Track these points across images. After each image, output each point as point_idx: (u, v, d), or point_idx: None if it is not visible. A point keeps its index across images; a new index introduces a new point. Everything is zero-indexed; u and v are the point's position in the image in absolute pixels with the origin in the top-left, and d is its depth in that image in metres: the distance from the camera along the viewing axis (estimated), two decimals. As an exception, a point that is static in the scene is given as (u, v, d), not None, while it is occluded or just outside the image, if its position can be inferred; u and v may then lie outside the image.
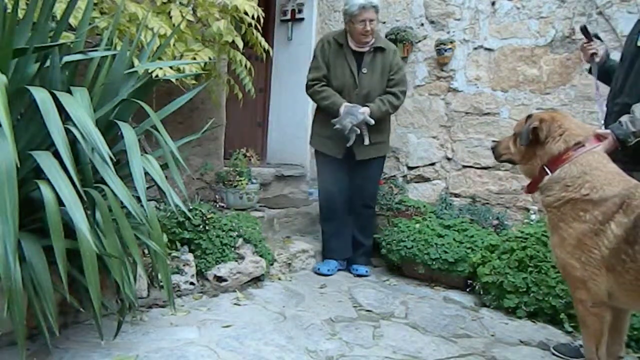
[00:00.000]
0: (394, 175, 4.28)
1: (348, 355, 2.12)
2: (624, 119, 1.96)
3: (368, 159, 3.28)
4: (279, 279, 3.12)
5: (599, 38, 2.42)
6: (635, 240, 1.61)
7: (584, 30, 2.39)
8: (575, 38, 3.58)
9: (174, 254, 2.64)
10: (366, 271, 3.38)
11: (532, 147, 1.94)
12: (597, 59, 2.37)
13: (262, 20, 2.93)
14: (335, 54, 3.26)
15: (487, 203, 3.86)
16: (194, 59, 2.58)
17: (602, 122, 2.22)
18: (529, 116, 2.01)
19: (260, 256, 2.96)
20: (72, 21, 2.09)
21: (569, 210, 1.77)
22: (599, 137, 1.91)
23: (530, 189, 2.00)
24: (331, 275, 3.34)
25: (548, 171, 1.87)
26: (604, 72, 2.36)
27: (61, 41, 1.91)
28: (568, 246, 1.76)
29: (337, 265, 3.44)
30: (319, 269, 3.36)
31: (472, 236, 3.24)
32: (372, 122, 3.11)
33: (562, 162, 1.83)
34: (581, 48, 2.45)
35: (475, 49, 4.00)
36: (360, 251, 3.48)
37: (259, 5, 2.88)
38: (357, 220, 3.46)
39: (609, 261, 1.67)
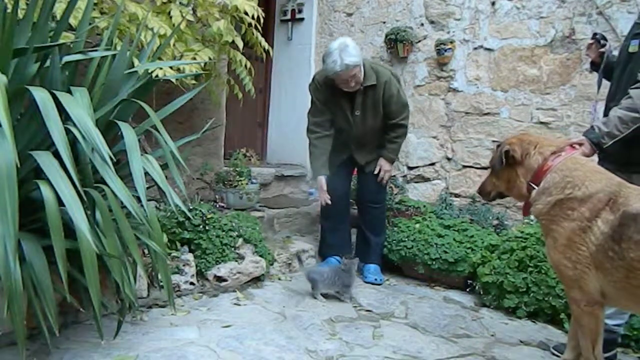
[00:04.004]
0: (394, 175, 4.28)
1: (348, 355, 2.12)
2: (597, 122, 2.01)
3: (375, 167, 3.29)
4: (279, 279, 3.12)
5: (604, 39, 2.42)
6: (621, 238, 1.63)
7: (597, 38, 2.39)
8: (576, 38, 3.59)
9: (174, 254, 2.64)
10: (375, 279, 3.25)
11: (513, 170, 1.98)
12: (605, 59, 2.36)
13: (262, 20, 2.93)
14: (329, 95, 3.15)
15: (487, 203, 3.86)
16: (194, 59, 2.58)
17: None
18: (499, 145, 2.06)
19: (260, 256, 2.96)
20: (72, 21, 2.09)
21: (558, 211, 1.80)
22: (574, 147, 1.95)
23: (525, 210, 2.02)
24: None
25: (534, 187, 1.91)
26: (609, 70, 2.36)
27: (61, 41, 1.91)
28: (560, 246, 1.79)
29: (339, 262, 3.43)
30: None
31: (472, 236, 3.24)
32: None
33: (544, 173, 1.87)
34: (588, 46, 2.45)
35: (475, 49, 4.01)
36: (370, 249, 3.38)
37: (259, 5, 2.88)
38: (364, 218, 3.41)
39: (597, 258, 1.69)
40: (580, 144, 1.98)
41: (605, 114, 2.20)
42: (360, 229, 3.45)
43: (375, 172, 3.25)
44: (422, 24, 4.25)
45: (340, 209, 3.40)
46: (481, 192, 2.21)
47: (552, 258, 1.85)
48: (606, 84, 2.33)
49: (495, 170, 2.06)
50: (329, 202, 3.20)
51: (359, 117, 3.15)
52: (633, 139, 1.97)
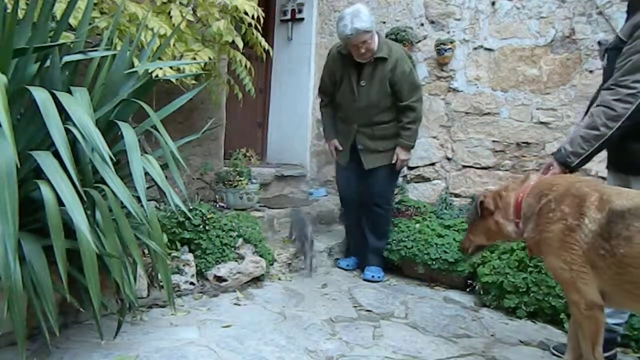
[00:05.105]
0: (394, 175, 4.28)
1: (348, 355, 2.12)
2: (564, 142, 2.07)
3: (376, 167, 3.28)
4: (279, 279, 3.12)
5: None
6: (610, 235, 1.66)
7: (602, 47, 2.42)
8: (576, 38, 3.59)
9: (174, 254, 2.64)
10: (372, 276, 3.27)
11: (491, 219, 2.07)
12: None
13: (262, 20, 2.93)
14: (339, 65, 3.21)
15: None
16: (194, 59, 2.58)
17: None
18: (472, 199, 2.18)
19: (260, 256, 2.96)
20: (72, 21, 2.09)
21: (542, 220, 1.86)
22: (545, 171, 2.08)
23: (529, 251, 2.07)
24: (348, 269, 3.46)
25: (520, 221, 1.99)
26: None
27: (61, 41, 1.91)
28: (555, 250, 1.81)
29: (357, 262, 3.51)
30: (339, 262, 3.53)
31: (472, 236, 3.23)
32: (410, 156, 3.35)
33: (520, 205, 1.97)
34: (599, 52, 2.48)
35: (475, 49, 4.00)
36: (371, 252, 3.39)
37: (259, 5, 2.88)
38: (367, 220, 3.40)
39: (590, 257, 1.72)
40: (551, 165, 2.07)
41: None
42: (362, 231, 3.45)
43: (393, 161, 3.25)
44: (422, 24, 4.25)
45: (351, 211, 3.50)
46: (461, 249, 2.32)
47: (550, 264, 1.87)
48: None
49: (474, 225, 2.17)
50: (336, 153, 3.41)
51: (364, 88, 3.15)
52: (630, 142, 1.98)
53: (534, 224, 1.90)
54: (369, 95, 3.14)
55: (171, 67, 2.39)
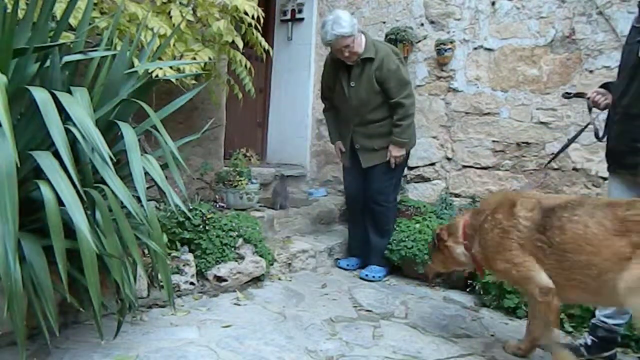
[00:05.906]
0: (394, 175, 4.27)
1: (348, 355, 2.12)
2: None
3: (373, 165, 3.33)
4: (279, 279, 3.12)
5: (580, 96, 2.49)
6: (545, 228, 1.91)
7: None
8: (576, 38, 3.59)
9: (174, 254, 2.64)
10: (366, 275, 3.31)
11: (446, 248, 2.34)
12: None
13: (262, 20, 2.93)
14: (332, 69, 3.34)
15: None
16: (194, 59, 2.58)
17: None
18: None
19: (260, 256, 2.96)
20: (72, 21, 2.09)
21: (482, 233, 2.14)
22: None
23: (479, 269, 2.33)
24: (349, 269, 3.48)
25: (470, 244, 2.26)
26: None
27: (61, 41, 1.91)
28: (498, 254, 2.05)
29: (358, 262, 3.52)
30: (339, 262, 3.56)
31: (472, 236, 3.23)
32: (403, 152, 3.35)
33: (465, 228, 2.27)
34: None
35: (475, 49, 4.00)
36: (372, 250, 3.42)
37: (259, 5, 2.87)
38: (369, 218, 3.44)
39: (530, 249, 1.94)
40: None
41: (612, 119, 2.20)
42: (366, 230, 3.48)
43: (387, 158, 3.30)
44: (422, 24, 4.25)
45: (354, 210, 3.55)
46: (427, 277, 2.76)
47: (498, 268, 2.08)
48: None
49: (433, 254, 2.49)
50: (341, 155, 3.52)
51: (354, 88, 3.24)
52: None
53: (478, 240, 2.16)
54: (359, 94, 3.22)
55: (171, 67, 2.39)
